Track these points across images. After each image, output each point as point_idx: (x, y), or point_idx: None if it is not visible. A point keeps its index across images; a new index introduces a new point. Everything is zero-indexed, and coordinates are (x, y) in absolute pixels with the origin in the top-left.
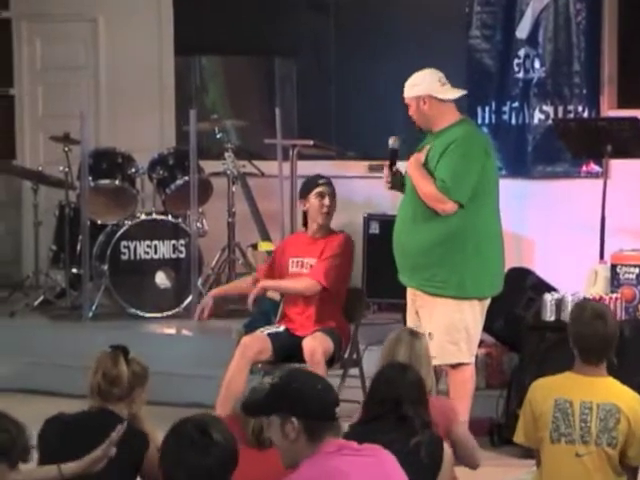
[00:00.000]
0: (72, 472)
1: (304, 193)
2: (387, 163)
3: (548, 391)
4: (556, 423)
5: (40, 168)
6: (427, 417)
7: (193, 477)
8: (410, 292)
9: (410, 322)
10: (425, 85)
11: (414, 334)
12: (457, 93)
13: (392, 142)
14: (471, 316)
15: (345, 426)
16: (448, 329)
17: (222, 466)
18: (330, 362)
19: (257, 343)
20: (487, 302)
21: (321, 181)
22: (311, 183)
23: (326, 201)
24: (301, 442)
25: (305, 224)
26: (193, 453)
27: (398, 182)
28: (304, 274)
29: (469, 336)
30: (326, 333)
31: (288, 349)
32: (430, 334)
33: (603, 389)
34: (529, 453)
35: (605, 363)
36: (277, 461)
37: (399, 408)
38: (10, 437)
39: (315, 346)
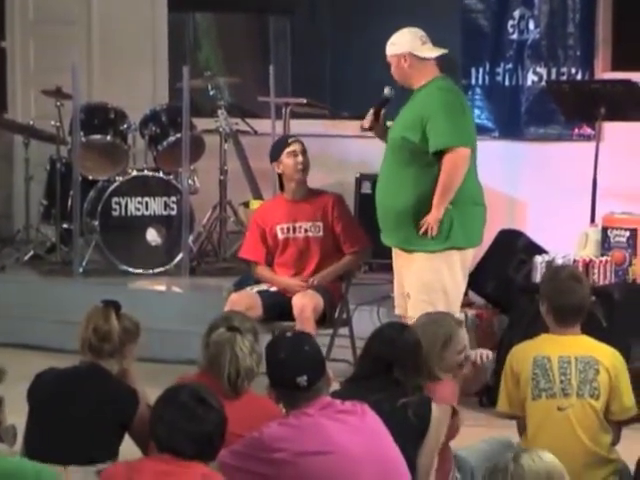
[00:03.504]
0: None
1: (275, 155)
2: (375, 108)
3: (526, 352)
4: (536, 379)
5: (31, 122)
6: (420, 380)
7: (197, 444)
8: (394, 254)
9: (396, 284)
10: (406, 43)
11: None
12: (437, 52)
13: (387, 91)
14: (449, 275)
15: (336, 385)
16: (425, 288)
17: (220, 428)
18: (322, 320)
19: (245, 299)
20: (468, 259)
21: (290, 140)
22: (281, 143)
23: (299, 158)
24: (286, 408)
25: (281, 187)
26: (194, 422)
27: (381, 129)
28: (308, 240)
29: (447, 297)
30: (317, 291)
31: (279, 307)
32: (408, 294)
33: (580, 344)
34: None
35: (579, 325)
36: (254, 404)
37: (390, 370)
38: None
39: (305, 303)
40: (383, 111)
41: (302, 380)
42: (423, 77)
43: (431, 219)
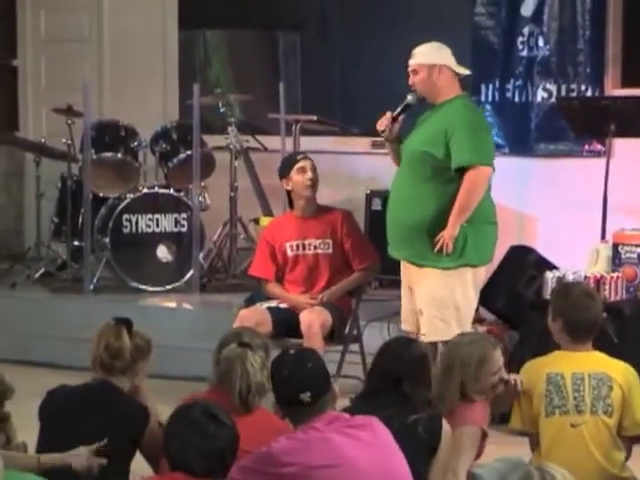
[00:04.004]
0: (51, 464)
1: (285, 172)
2: (394, 112)
3: (539, 369)
4: (549, 397)
5: (43, 140)
6: (429, 394)
7: (209, 462)
8: (404, 268)
9: (403, 299)
10: (441, 55)
11: None
12: (466, 71)
13: (411, 97)
14: (461, 292)
15: (345, 402)
16: (437, 304)
17: (232, 445)
18: (331, 336)
19: (255, 315)
20: (480, 276)
21: (299, 156)
22: (290, 160)
23: (308, 174)
24: (292, 424)
25: (291, 204)
26: (206, 439)
27: (394, 134)
28: (317, 258)
29: (459, 313)
30: (325, 307)
31: (288, 323)
32: (420, 310)
33: (593, 361)
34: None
35: (591, 342)
36: (265, 420)
37: (399, 385)
38: None
39: (312, 319)
40: (402, 117)
41: (305, 396)
42: (450, 92)
43: (447, 236)
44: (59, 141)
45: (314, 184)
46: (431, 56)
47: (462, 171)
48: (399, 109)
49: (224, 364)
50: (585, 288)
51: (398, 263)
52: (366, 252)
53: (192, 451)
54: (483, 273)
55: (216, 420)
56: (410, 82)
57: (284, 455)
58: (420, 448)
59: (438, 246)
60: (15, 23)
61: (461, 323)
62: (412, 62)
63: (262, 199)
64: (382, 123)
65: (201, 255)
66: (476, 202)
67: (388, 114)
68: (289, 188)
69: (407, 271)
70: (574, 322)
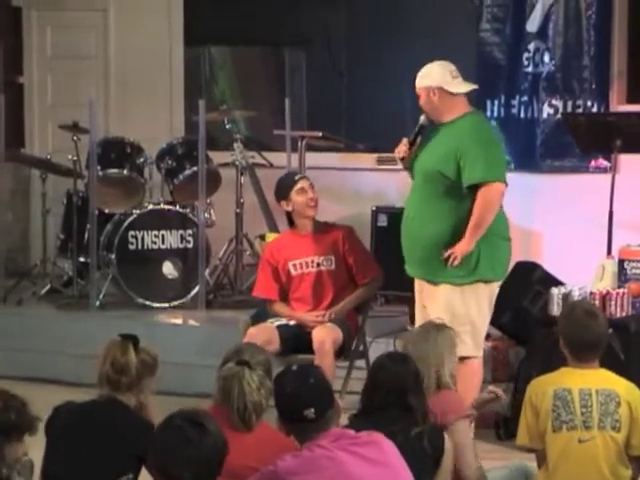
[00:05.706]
0: None
1: (284, 194)
2: (410, 137)
3: (546, 385)
4: (557, 412)
5: (49, 157)
6: (426, 407)
7: (194, 470)
8: (418, 285)
9: (418, 317)
10: (436, 77)
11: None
12: (468, 87)
13: (423, 119)
14: (476, 308)
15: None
16: (451, 321)
17: (218, 452)
18: (340, 353)
19: (264, 334)
20: (494, 291)
21: (297, 177)
22: (288, 181)
23: (309, 194)
24: (297, 441)
25: (291, 224)
26: (190, 447)
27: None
28: (321, 274)
29: (474, 329)
30: (336, 323)
31: (296, 340)
32: None
33: (599, 377)
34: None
35: (597, 361)
36: (268, 437)
37: (403, 399)
38: (16, 414)
39: (324, 336)
40: (419, 139)
41: (309, 412)
42: (453, 112)
43: (459, 251)
44: (65, 158)
45: (316, 203)
46: (426, 78)
47: (475, 188)
48: (414, 133)
49: (223, 382)
50: (588, 308)
51: (403, 279)
52: (368, 266)
53: (177, 460)
54: (497, 288)
55: (200, 427)
56: (420, 104)
57: (290, 475)
58: (425, 461)
59: (446, 255)
60: (21, 40)
61: (476, 339)
62: (416, 85)
63: (268, 215)
64: (400, 150)
65: (207, 271)
66: (490, 219)
67: (404, 140)
68: (289, 209)
69: (420, 289)
70: (575, 342)
